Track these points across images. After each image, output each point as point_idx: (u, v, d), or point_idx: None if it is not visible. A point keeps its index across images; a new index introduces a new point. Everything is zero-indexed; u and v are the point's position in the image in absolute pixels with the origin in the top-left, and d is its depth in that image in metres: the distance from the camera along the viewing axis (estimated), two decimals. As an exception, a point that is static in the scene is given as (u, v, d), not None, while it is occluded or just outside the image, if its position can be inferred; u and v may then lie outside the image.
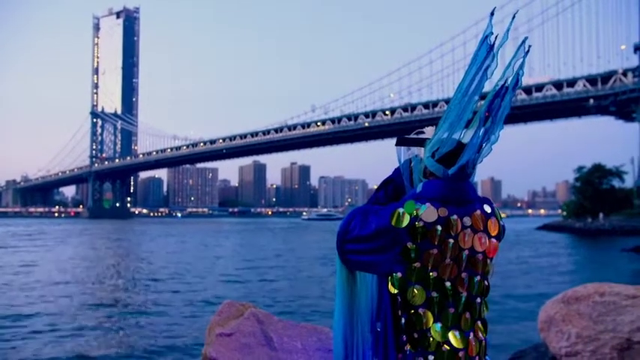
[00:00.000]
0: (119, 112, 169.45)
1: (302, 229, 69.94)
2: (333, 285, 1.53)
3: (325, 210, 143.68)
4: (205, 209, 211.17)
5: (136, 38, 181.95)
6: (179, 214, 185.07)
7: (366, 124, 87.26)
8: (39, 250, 30.86)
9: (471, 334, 1.35)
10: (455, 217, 1.33)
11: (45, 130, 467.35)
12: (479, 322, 1.38)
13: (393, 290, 1.34)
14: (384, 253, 1.34)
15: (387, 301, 1.37)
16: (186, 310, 12.31)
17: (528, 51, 1.28)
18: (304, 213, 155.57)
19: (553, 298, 3.99)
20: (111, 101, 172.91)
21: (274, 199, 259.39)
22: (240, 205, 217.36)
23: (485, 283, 1.40)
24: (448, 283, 1.33)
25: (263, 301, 13.14)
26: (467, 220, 1.35)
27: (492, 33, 1.29)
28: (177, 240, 43.29)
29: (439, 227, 1.31)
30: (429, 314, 1.32)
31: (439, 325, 1.32)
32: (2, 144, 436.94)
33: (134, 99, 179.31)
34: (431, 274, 1.32)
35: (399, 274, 1.33)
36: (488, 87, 1.34)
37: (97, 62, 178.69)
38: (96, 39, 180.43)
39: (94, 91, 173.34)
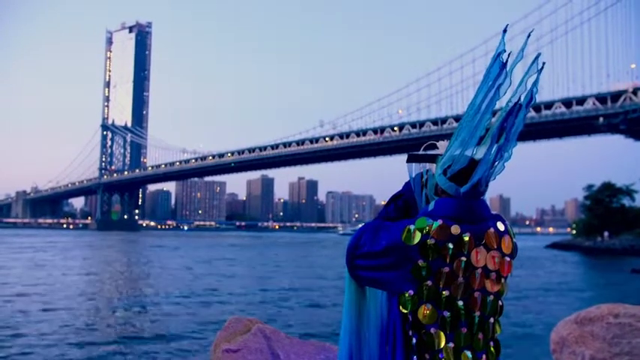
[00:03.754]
0: (129, 124, 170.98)
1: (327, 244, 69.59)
2: (342, 301, 1.48)
3: (360, 225, 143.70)
4: (212, 223, 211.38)
5: (147, 52, 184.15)
6: (186, 227, 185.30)
7: (375, 140, 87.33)
8: (45, 264, 30.96)
9: (484, 356, 1.31)
10: (467, 234, 1.30)
11: (56, 142, 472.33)
12: (491, 343, 1.34)
13: (404, 309, 1.30)
14: (394, 271, 1.31)
15: (396, 320, 1.33)
16: (192, 325, 12.23)
17: (542, 68, 1.25)
18: (340, 228, 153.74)
19: (565, 318, 3.90)
20: (121, 114, 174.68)
21: (281, 214, 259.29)
22: (247, 219, 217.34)
23: (499, 302, 1.36)
24: (461, 303, 1.29)
25: (270, 317, 13.04)
26: (480, 239, 1.31)
27: (505, 50, 1.27)
28: (184, 253, 43.25)
29: (451, 245, 1.28)
30: (441, 334, 1.28)
31: (452, 345, 1.28)
32: (14, 155, 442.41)
33: (144, 112, 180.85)
34: (443, 292, 1.28)
35: (410, 293, 1.29)
36: (500, 104, 1.32)
37: (109, 75, 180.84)
38: (108, 53, 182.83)
39: (105, 103, 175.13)
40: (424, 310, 1.28)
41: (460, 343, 1.28)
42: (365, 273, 1.37)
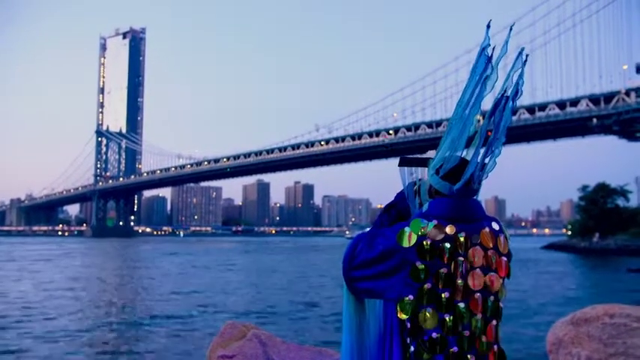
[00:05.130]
0: (124, 130, 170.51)
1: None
2: (341, 306, 1.45)
3: (369, 229, 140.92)
4: (209, 228, 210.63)
5: (141, 58, 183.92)
6: (182, 233, 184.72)
7: (370, 144, 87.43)
8: (37, 272, 30.76)
9: None
10: (463, 234, 1.28)
11: (50, 149, 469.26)
12: (495, 347, 1.30)
13: (403, 316, 1.26)
14: (393, 276, 1.28)
15: (393, 327, 1.30)
16: (187, 331, 12.16)
17: (526, 60, 1.26)
18: (347, 232, 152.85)
19: (561, 319, 3.91)
20: (116, 120, 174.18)
21: (278, 218, 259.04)
22: (243, 224, 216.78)
23: (500, 304, 1.33)
24: (462, 304, 1.26)
25: (266, 322, 12.99)
26: (475, 238, 1.30)
27: (490, 45, 1.27)
28: (180, 259, 43.08)
29: (447, 245, 1.26)
30: (443, 338, 1.25)
31: (455, 349, 1.24)
32: (8, 162, 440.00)
33: (139, 118, 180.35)
34: (443, 295, 1.25)
35: (410, 297, 1.26)
36: (489, 102, 1.32)
37: (103, 82, 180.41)
38: (102, 59, 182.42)
39: (100, 110, 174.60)
40: (425, 315, 1.25)
41: (463, 346, 1.25)
42: (362, 284, 1.34)
